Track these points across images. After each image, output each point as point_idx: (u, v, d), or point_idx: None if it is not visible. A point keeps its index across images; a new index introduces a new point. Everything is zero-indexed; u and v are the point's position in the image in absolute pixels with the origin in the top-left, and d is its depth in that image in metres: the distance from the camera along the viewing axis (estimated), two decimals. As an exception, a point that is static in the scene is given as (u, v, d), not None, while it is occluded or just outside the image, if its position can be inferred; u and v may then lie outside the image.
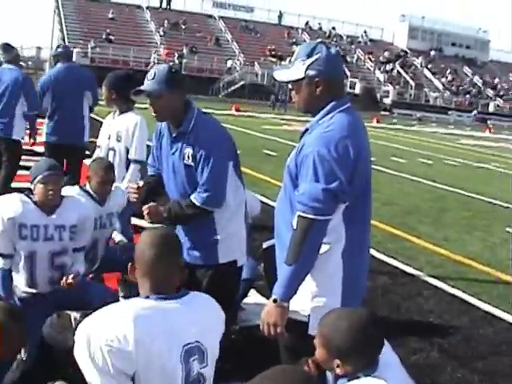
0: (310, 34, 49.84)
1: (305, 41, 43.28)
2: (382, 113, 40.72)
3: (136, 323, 1.89)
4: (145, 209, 2.98)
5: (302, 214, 2.26)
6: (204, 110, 3.09)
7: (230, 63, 41.92)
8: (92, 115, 6.63)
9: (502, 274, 6.11)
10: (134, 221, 5.17)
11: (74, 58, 26.65)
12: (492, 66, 57.96)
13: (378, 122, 30.88)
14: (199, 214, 2.95)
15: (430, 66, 52.48)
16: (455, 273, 6.00)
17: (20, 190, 3.47)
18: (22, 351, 2.92)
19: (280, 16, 53.07)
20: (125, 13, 45.58)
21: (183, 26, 45.51)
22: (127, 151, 4.69)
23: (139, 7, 47.28)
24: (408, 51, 53.87)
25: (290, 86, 2.50)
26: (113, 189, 3.93)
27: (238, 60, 43.43)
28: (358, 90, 41.91)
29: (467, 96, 49.94)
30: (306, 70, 2.36)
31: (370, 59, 50.09)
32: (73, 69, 6.39)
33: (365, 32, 55.21)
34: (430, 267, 6.06)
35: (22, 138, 6.42)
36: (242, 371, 2.35)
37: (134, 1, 47.87)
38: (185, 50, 41.43)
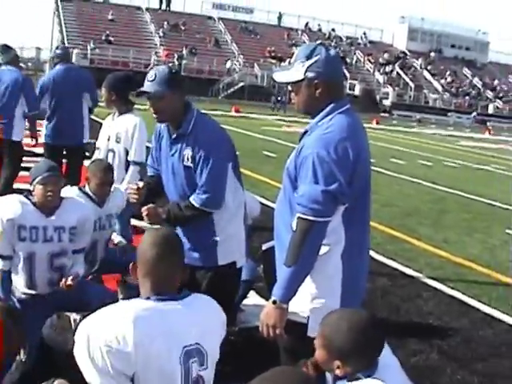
0: (310, 36, 49.91)
1: (304, 42, 43.37)
2: (382, 114, 40.75)
3: (136, 324, 1.89)
4: (144, 210, 2.98)
5: (302, 216, 2.26)
6: (203, 111, 3.10)
7: (229, 64, 41.95)
8: (91, 116, 6.63)
9: (502, 275, 6.10)
10: (134, 222, 5.18)
11: (73, 60, 26.68)
12: (491, 68, 58.00)
13: (377, 123, 30.90)
14: (198, 215, 2.95)
15: (429, 67, 52.52)
16: (455, 274, 6.00)
17: (20, 191, 3.47)
18: (22, 352, 2.92)
19: (280, 17, 53.11)
20: (124, 14, 45.61)
21: (183, 28, 45.55)
22: (127, 153, 4.70)
23: (139, 8, 47.31)
24: (407, 53, 53.93)
25: (289, 87, 2.51)
26: (112, 190, 3.93)
27: (238, 61, 43.47)
28: (357, 92, 41.96)
29: (467, 98, 49.96)
30: (306, 71, 2.36)
31: (370, 61, 50.12)
32: (72, 70, 6.40)
33: (364, 33, 55.25)
34: (429, 269, 6.06)
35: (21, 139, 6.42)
36: (241, 373, 2.35)
37: (134, 2, 47.94)
38: (184, 52, 41.47)
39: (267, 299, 2.40)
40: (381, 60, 50.66)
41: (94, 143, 5.04)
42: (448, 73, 52.60)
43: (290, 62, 2.48)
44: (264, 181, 10.03)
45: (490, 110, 49.67)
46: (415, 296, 5.18)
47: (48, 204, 3.25)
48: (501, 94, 52.94)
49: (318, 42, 2.55)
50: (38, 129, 6.48)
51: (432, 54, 54.53)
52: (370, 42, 54.81)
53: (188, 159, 2.93)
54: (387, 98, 45.49)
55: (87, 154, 6.73)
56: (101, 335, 1.88)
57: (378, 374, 1.96)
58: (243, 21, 50.33)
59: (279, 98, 35.25)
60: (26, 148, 6.56)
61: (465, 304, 5.13)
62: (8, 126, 6.14)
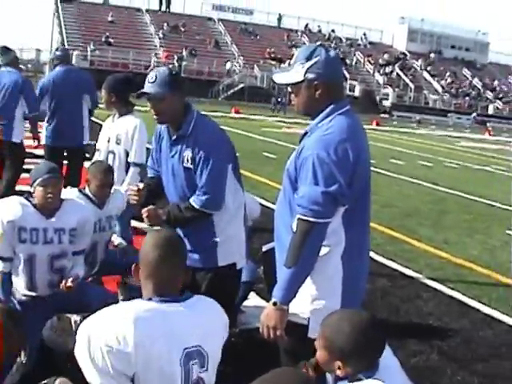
0: (310, 37, 49.93)
1: (304, 43, 43.35)
2: (382, 115, 40.76)
3: (136, 325, 1.89)
4: (144, 212, 2.98)
5: (302, 217, 2.26)
6: (203, 113, 3.10)
7: (229, 66, 41.97)
8: (92, 118, 6.63)
9: (502, 276, 6.10)
10: (134, 223, 5.18)
11: (73, 61, 26.68)
12: (491, 69, 58.03)
13: (377, 124, 30.89)
14: (198, 216, 2.95)
15: (429, 68, 52.55)
16: (455, 275, 6.00)
17: (20, 193, 3.48)
18: (22, 354, 2.92)
19: (279, 19, 53.15)
20: (124, 16, 45.65)
21: (183, 29, 45.58)
22: (127, 154, 4.70)
23: (139, 10, 47.35)
24: (407, 53, 53.96)
25: (289, 88, 2.51)
26: (112, 192, 3.93)
27: (238, 62, 43.50)
28: (357, 93, 41.99)
29: (466, 98, 49.99)
30: (305, 73, 2.36)
31: (370, 62, 50.15)
32: (71, 72, 6.40)
33: (364, 34, 55.29)
34: (429, 270, 6.06)
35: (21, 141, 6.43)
36: (242, 374, 2.35)
37: (134, 4, 47.99)
38: (184, 53, 41.51)
39: (268, 300, 2.40)
40: (381, 61, 50.68)
41: (94, 145, 5.04)
42: (448, 74, 52.62)
43: (289, 64, 2.48)
44: (264, 182, 10.03)
45: (490, 111, 49.70)
46: (415, 297, 5.18)
47: (48, 206, 3.25)
48: (501, 95, 52.96)
49: (318, 43, 2.56)
50: (39, 131, 6.48)
51: (432, 55, 54.57)
52: (370, 42, 54.85)
53: (188, 160, 2.94)
54: (387, 99, 45.51)
55: (87, 155, 6.74)
56: (101, 335, 1.89)
57: (379, 374, 1.97)
58: (243, 22, 50.37)
59: (279, 100, 35.26)
60: (27, 150, 6.57)
61: (465, 305, 5.13)
62: (8, 128, 6.14)
